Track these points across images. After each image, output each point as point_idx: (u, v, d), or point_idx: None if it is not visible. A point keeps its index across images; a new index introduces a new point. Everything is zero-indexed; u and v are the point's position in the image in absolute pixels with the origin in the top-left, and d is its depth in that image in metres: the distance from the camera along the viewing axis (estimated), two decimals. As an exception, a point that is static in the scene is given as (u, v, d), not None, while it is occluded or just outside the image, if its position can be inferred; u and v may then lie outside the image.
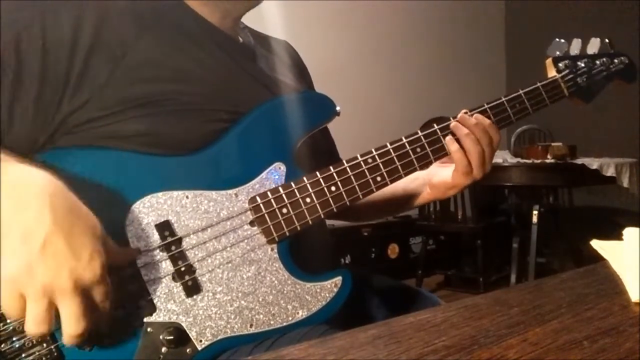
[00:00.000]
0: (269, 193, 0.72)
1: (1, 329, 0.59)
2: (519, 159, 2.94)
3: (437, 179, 0.91)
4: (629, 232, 0.68)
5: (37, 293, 0.53)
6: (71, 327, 0.55)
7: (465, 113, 0.84)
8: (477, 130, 0.82)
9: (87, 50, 0.68)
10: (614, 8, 3.71)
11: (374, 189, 0.77)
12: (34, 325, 0.53)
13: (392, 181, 0.79)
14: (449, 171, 0.88)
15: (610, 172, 2.77)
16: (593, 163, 2.78)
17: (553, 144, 3.00)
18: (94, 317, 0.56)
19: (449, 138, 0.83)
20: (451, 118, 0.84)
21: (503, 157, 3.00)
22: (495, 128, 0.85)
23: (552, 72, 0.94)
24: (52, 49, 0.67)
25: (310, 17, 3.38)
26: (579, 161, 2.82)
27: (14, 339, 0.60)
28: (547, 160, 2.85)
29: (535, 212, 2.93)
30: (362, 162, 0.77)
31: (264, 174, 0.73)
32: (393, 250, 3.54)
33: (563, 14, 3.96)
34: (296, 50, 1.05)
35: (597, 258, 0.66)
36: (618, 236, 0.68)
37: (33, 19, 0.67)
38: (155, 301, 0.66)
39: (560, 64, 0.93)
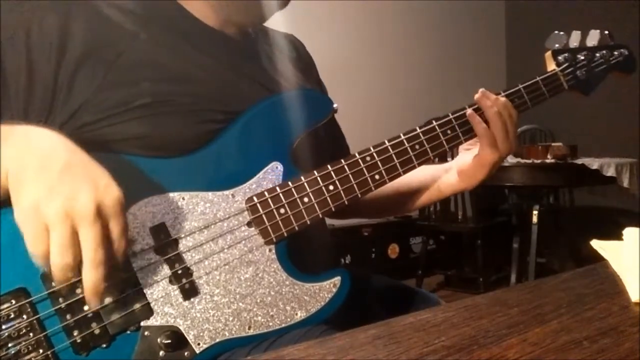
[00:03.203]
0: (266, 193, 0.71)
1: None
2: (519, 159, 2.94)
3: (463, 164, 0.89)
4: (629, 232, 0.68)
5: (59, 217, 0.53)
6: (92, 255, 0.54)
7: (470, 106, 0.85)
8: (498, 104, 0.83)
9: (78, 56, 0.68)
10: (614, 1, 3.71)
11: (373, 188, 0.77)
12: (59, 255, 0.54)
13: (390, 179, 0.78)
14: (472, 154, 0.87)
15: (610, 172, 2.77)
16: (593, 163, 2.77)
17: (553, 144, 3.00)
18: (110, 255, 0.56)
19: (470, 111, 0.83)
20: (450, 114, 0.84)
21: (503, 157, 2.99)
22: (512, 105, 0.86)
23: (551, 66, 0.93)
24: (38, 56, 0.66)
25: (310, 16, 3.37)
26: (579, 161, 2.82)
27: (10, 345, 0.59)
28: (548, 160, 2.84)
29: (535, 212, 2.93)
30: (360, 160, 0.77)
31: (260, 174, 0.72)
32: (393, 250, 3.54)
33: (564, 9, 3.95)
34: (302, 43, 1.03)
35: (597, 258, 0.66)
36: (618, 236, 0.68)
37: (18, 26, 0.67)
38: (152, 304, 0.65)
39: (559, 57, 0.93)
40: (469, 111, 0.83)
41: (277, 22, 0.92)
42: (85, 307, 0.62)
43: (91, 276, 0.55)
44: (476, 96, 0.84)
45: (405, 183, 0.93)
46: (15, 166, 0.55)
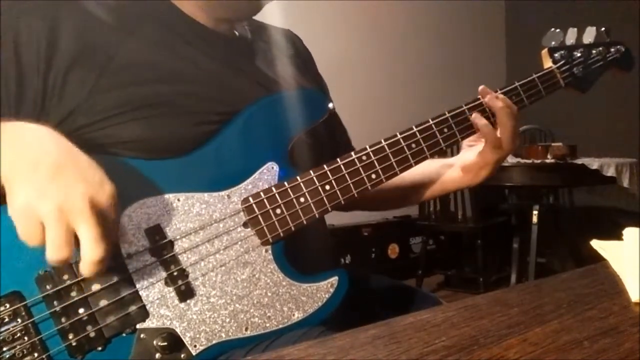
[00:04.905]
0: (261, 193, 0.71)
1: None
2: (519, 159, 2.93)
3: (467, 161, 0.90)
4: (629, 232, 0.68)
5: (54, 215, 0.53)
6: (91, 250, 0.54)
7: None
8: (508, 105, 0.83)
9: (68, 60, 0.67)
10: (614, 1, 3.70)
11: (369, 187, 0.76)
12: (55, 251, 0.53)
13: (387, 178, 0.78)
14: (476, 151, 0.87)
15: (610, 172, 2.77)
16: (593, 163, 2.77)
17: (553, 144, 3.00)
18: (108, 247, 0.56)
19: (476, 113, 0.83)
20: (446, 112, 0.83)
21: (503, 157, 2.99)
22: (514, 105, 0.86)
23: (548, 63, 0.93)
24: (27, 62, 0.66)
25: (308, 12, 3.37)
26: (579, 161, 2.81)
27: (5, 349, 0.59)
28: (547, 160, 2.84)
29: (535, 212, 2.93)
30: (356, 160, 0.76)
31: (256, 175, 0.72)
32: (393, 250, 3.54)
33: (564, 9, 3.95)
34: (300, 38, 1.02)
35: (597, 258, 0.66)
36: (618, 236, 0.68)
37: (6, 30, 0.66)
38: (147, 307, 0.64)
39: (556, 55, 0.93)
40: (474, 114, 0.83)
41: (274, 17, 0.91)
42: (81, 310, 0.61)
43: (89, 270, 0.55)
44: (486, 98, 0.84)
45: (409, 177, 0.93)
46: (6, 166, 0.55)
